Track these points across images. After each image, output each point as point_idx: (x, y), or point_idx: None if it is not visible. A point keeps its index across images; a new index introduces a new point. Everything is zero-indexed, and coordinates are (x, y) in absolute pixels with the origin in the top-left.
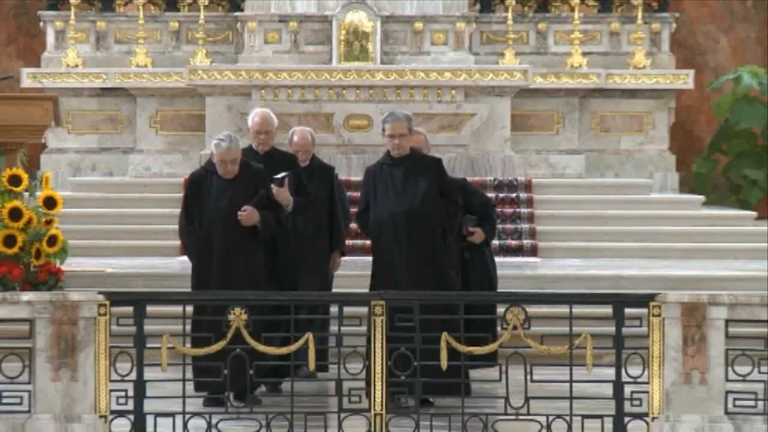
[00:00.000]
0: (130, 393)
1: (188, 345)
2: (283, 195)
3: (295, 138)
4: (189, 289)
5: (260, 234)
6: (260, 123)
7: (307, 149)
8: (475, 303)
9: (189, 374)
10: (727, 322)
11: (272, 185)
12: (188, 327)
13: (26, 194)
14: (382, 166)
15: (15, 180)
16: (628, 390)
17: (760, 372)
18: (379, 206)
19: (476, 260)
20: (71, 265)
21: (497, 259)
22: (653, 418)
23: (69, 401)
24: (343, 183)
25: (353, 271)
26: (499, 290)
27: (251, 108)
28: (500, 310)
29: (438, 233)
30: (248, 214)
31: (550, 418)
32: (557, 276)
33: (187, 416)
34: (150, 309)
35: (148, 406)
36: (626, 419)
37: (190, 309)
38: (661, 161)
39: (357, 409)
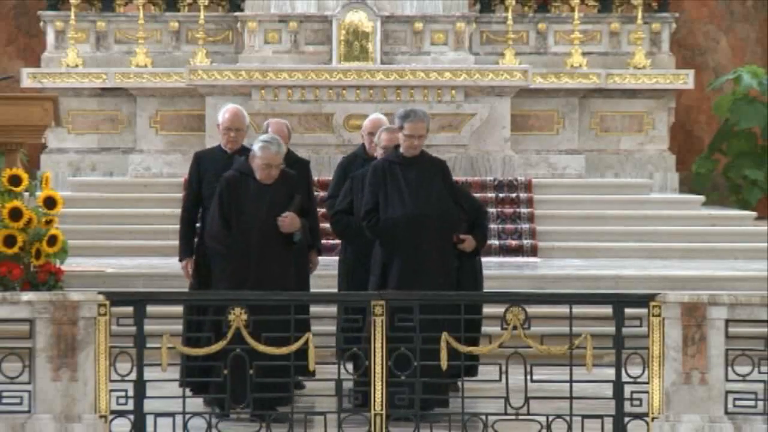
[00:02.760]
0: (130, 393)
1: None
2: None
3: (270, 130)
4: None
5: (297, 240)
6: (230, 119)
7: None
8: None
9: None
10: (727, 322)
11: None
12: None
13: (26, 194)
14: (391, 164)
15: (15, 180)
16: (628, 390)
17: (760, 372)
18: (392, 206)
19: (466, 267)
20: (71, 265)
21: (498, 259)
22: (653, 418)
23: (69, 401)
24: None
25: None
26: (498, 290)
27: (251, 108)
28: (500, 310)
29: (451, 236)
30: (290, 221)
31: (550, 418)
32: (557, 276)
33: (187, 416)
34: (150, 309)
35: (148, 406)
36: (626, 419)
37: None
38: (661, 161)
39: (357, 409)
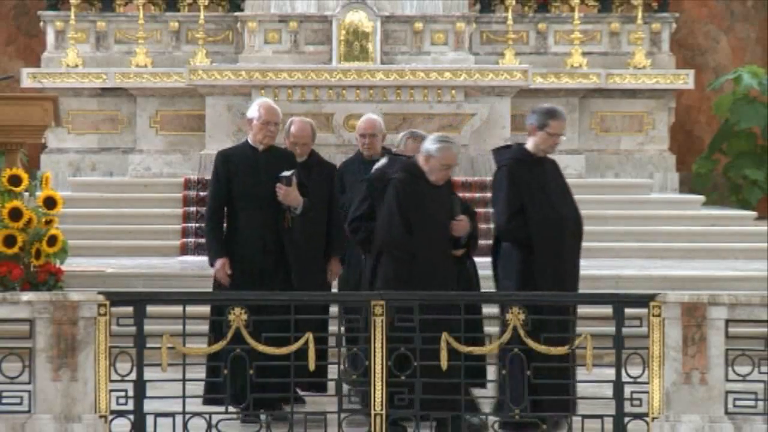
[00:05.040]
0: (130, 393)
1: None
2: (293, 196)
3: (293, 129)
4: (188, 290)
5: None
6: (270, 113)
7: (306, 142)
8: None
9: (189, 375)
10: (727, 322)
11: (278, 185)
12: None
13: (26, 194)
14: (525, 164)
15: (15, 180)
16: (628, 390)
17: (760, 372)
18: (540, 208)
19: (461, 272)
20: (71, 265)
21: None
22: (653, 418)
23: (69, 401)
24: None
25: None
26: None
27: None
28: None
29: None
30: (464, 224)
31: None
32: None
33: (187, 416)
34: (150, 309)
35: (148, 406)
36: (626, 419)
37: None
38: (661, 161)
39: (357, 409)
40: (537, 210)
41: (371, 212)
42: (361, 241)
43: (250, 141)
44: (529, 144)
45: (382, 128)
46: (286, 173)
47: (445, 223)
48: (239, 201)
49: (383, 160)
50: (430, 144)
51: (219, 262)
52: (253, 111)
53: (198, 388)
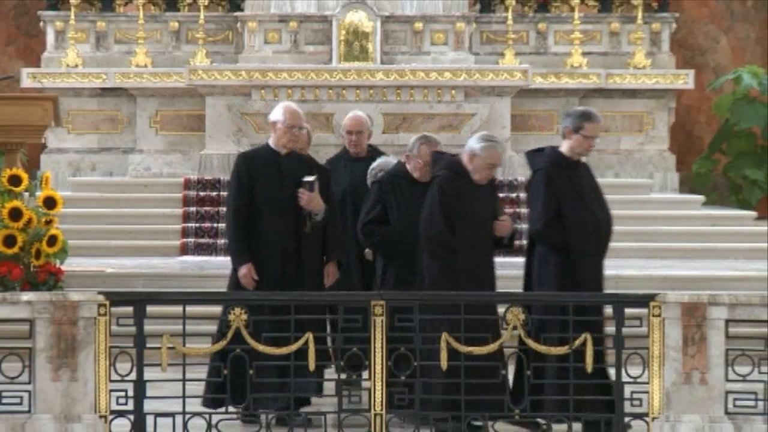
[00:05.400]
0: (130, 393)
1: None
2: (316, 201)
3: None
4: (188, 290)
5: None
6: (295, 116)
7: (303, 147)
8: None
9: (189, 375)
10: (727, 322)
11: (301, 190)
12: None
13: (26, 194)
14: (561, 168)
15: (15, 180)
16: (628, 390)
17: (760, 372)
18: (580, 211)
19: None
20: (71, 265)
21: (497, 260)
22: (653, 418)
23: (69, 401)
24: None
25: None
26: (498, 290)
27: (251, 108)
28: (499, 310)
29: None
30: (507, 224)
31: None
32: None
33: (187, 416)
34: (150, 309)
35: (148, 406)
36: (626, 419)
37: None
38: (661, 161)
39: (357, 409)
40: (574, 214)
41: (384, 215)
42: (374, 245)
43: (272, 144)
44: (564, 147)
45: (369, 126)
46: (309, 178)
47: (488, 222)
48: (261, 205)
49: (380, 160)
50: (474, 143)
51: (245, 268)
52: (278, 114)
53: (198, 388)
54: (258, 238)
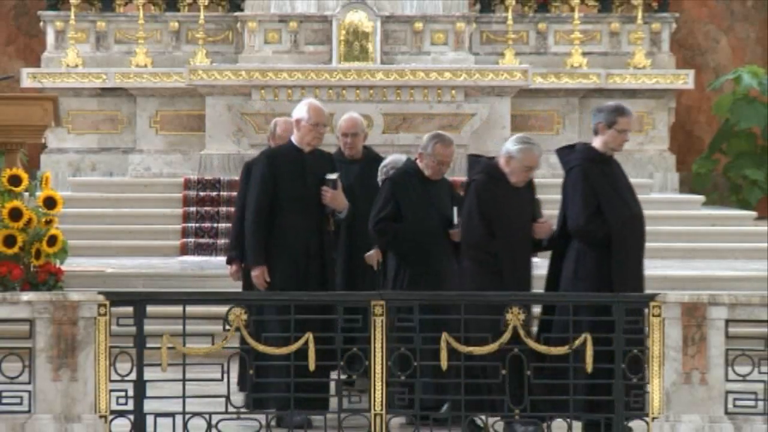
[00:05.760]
0: (130, 393)
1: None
2: (339, 199)
3: (278, 130)
4: (188, 290)
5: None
6: (320, 114)
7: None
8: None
9: (189, 375)
10: (727, 322)
11: (324, 188)
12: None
13: (26, 194)
14: (597, 164)
15: (15, 180)
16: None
17: (760, 372)
18: (618, 207)
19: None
20: (71, 265)
21: None
22: (653, 418)
23: (69, 401)
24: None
25: None
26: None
27: (251, 108)
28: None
29: None
30: (547, 226)
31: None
32: None
33: (187, 416)
34: (150, 309)
35: (148, 406)
36: (626, 419)
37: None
38: (661, 161)
39: (357, 409)
40: (614, 209)
41: (397, 212)
42: (387, 243)
43: (295, 142)
44: (597, 143)
45: (364, 128)
46: (332, 176)
47: (527, 225)
48: (284, 203)
49: (391, 157)
50: (511, 145)
51: (258, 270)
52: (302, 112)
53: (198, 388)
54: (281, 237)
